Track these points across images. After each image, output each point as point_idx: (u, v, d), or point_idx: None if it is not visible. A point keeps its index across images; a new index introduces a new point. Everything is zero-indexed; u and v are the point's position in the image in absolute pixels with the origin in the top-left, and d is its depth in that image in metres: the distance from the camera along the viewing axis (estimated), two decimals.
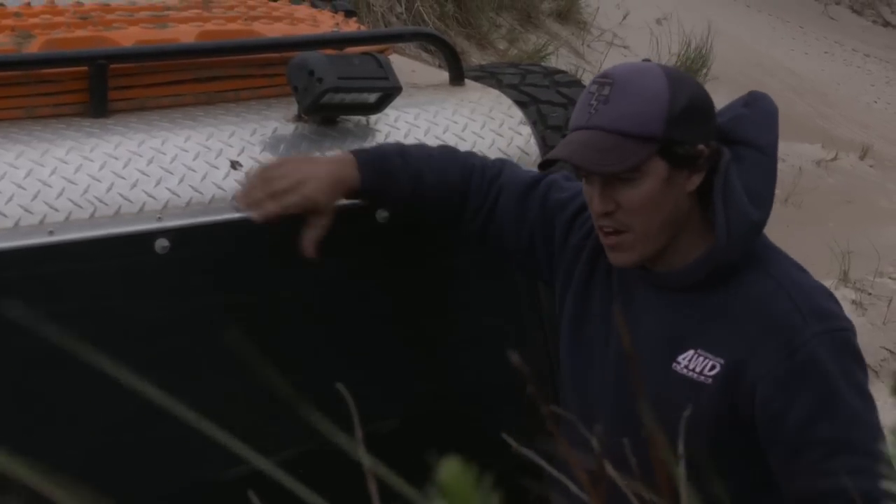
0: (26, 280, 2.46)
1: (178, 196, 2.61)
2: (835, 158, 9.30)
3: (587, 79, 6.88)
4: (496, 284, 2.91)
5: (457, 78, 3.11)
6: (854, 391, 2.42)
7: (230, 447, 0.89)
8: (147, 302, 2.56)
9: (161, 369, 2.46)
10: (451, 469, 0.80)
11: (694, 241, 2.49)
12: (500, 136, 3.00)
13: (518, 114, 3.06)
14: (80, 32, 2.71)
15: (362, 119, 2.86)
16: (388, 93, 2.79)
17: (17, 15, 2.73)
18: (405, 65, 3.21)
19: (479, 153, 2.85)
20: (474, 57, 8.20)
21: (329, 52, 2.79)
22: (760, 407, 2.42)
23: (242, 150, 2.71)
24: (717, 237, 2.45)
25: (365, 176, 2.65)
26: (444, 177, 2.72)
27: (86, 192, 2.53)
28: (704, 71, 9.40)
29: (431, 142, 2.89)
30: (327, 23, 3.02)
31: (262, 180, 2.62)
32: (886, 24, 12.87)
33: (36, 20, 2.71)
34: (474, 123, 2.99)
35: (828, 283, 3.51)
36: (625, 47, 9.53)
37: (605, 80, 2.46)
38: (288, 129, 2.79)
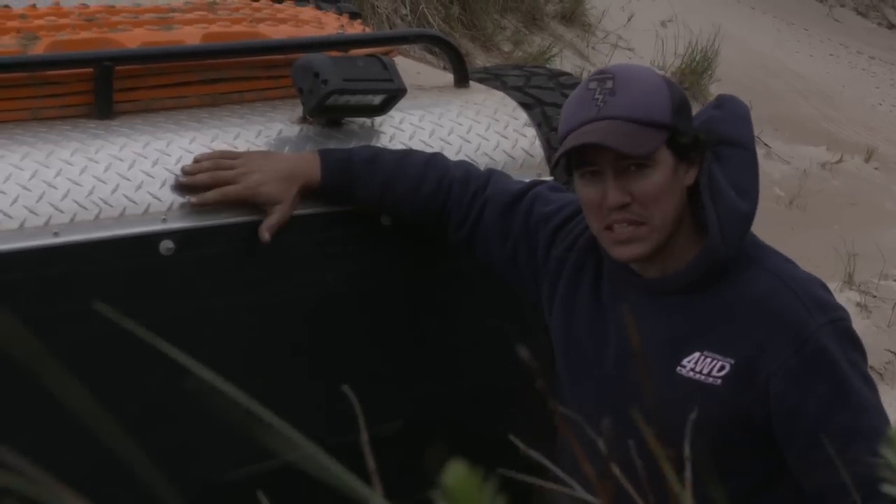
0: (31, 281, 2.46)
1: (183, 198, 2.61)
2: (840, 161, 9.27)
3: None
4: (501, 286, 2.90)
5: (461, 80, 3.11)
6: (860, 378, 2.47)
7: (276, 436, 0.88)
8: (152, 303, 2.56)
9: (165, 371, 2.46)
10: (456, 472, 0.79)
11: (686, 244, 2.51)
12: (505, 137, 3.00)
13: (523, 116, 3.06)
14: (85, 34, 2.71)
15: (367, 121, 2.86)
16: (393, 94, 2.79)
17: (22, 17, 2.73)
18: (410, 67, 3.21)
19: (470, 162, 2.86)
20: (479, 59, 8.18)
21: (334, 54, 2.79)
22: (776, 403, 2.44)
23: None
24: (711, 234, 2.47)
25: (326, 174, 2.70)
26: (419, 185, 2.75)
27: (91, 193, 2.53)
28: (709, 73, 9.37)
29: (436, 143, 2.89)
30: (332, 25, 3.02)
31: (211, 166, 2.64)
32: (891, 26, 12.85)
33: (41, 22, 2.72)
34: (479, 125, 2.99)
35: (832, 286, 3.51)
36: (629, 49, 9.51)
37: (603, 75, 2.49)
38: (293, 130, 2.79)
